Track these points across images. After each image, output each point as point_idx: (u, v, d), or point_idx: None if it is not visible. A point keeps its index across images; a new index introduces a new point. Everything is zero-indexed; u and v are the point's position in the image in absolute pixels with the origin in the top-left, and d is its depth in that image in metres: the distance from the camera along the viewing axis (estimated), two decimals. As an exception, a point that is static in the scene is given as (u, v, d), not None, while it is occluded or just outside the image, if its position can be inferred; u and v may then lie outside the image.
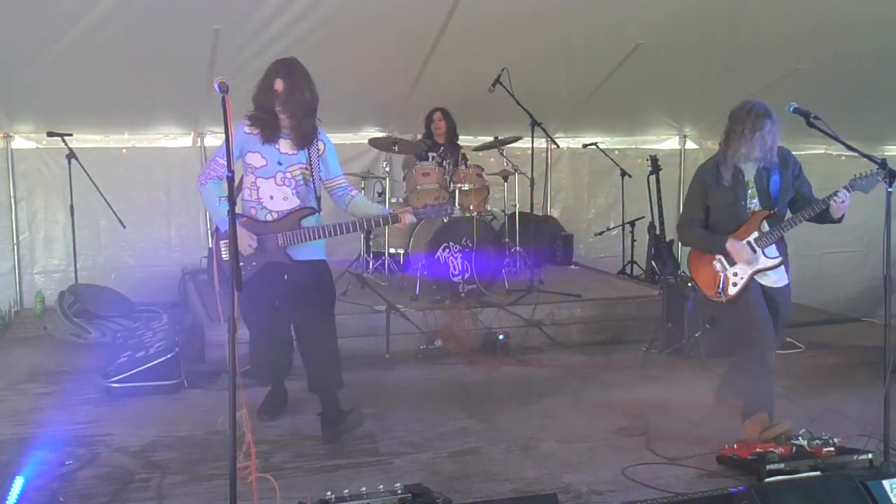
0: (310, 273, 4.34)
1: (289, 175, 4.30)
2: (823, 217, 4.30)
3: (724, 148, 4.35)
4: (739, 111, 4.28)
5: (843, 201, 4.20)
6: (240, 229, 4.08)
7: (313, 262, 4.37)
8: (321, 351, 4.41)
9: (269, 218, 4.29)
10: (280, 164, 4.27)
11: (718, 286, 4.41)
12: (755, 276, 4.36)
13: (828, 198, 4.22)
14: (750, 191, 4.37)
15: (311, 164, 4.32)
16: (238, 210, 4.12)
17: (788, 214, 4.42)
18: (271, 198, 4.29)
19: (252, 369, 4.72)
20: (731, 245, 4.34)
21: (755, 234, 4.34)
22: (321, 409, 4.45)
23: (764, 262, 4.36)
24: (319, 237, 4.27)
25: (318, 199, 4.40)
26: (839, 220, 4.31)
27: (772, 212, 4.35)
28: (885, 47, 7.36)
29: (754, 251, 4.33)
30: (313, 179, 4.35)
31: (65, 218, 7.73)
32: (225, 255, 4.23)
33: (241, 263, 4.03)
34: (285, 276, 4.29)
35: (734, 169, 4.34)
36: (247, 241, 4.17)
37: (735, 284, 4.36)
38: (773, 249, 4.37)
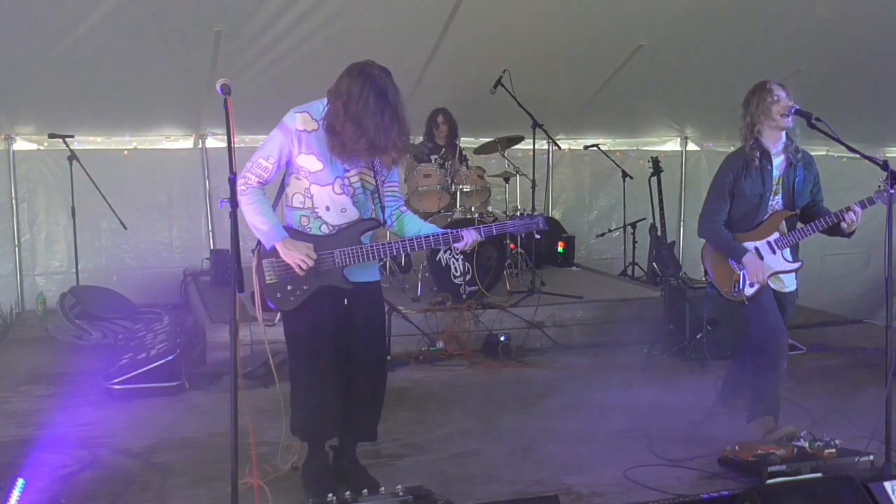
0: (367, 300, 3.64)
1: (347, 182, 3.50)
2: (834, 230, 4.24)
3: (748, 130, 4.25)
4: (749, 91, 4.24)
5: (853, 220, 4.13)
6: (293, 243, 3.42)
7: (369, 284, 3.66)
8: (368, 399, 3.72)
9: (323, 231, 3.51)
10: (339, 170, 3.50)
11: (735, 285, 4.36)
12: (769, 280, 4.32)
13: (841, 212, 4.16)
14: (775, 186, 4.30)
15: (373, 168, 3.53)
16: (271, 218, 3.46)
17: (799, 224, 4.38)
18: (327, 209, 3.49)
19: (294, 425, 3.70)
20: (749, 261, 4.26)
21: (776, 235, 4.29)
22: (338, 453, 3.84)
23: (783, 265, 4.31)
24: (381, 256, 3.55)
25: (383, 208, 3.62)
26: (849, 236, 4.25)
27: (794, 213, 4.30)
28: (887, 49, 7.36)
29: (774, 252, 4.29)
30: (376, 185, 3.57)
31: (66, 219, 7.75)
32: (270, 279, 3.47)
33: (290, 287, 3.45)
34: (345, 301, 3.55)
35: (766, 157, 4.24)
36: (300, 257, 3.39)
37: (752, 285, 4.30)
38: (790, 253, 4.33)
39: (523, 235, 3.24)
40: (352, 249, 3.47)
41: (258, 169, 3.43)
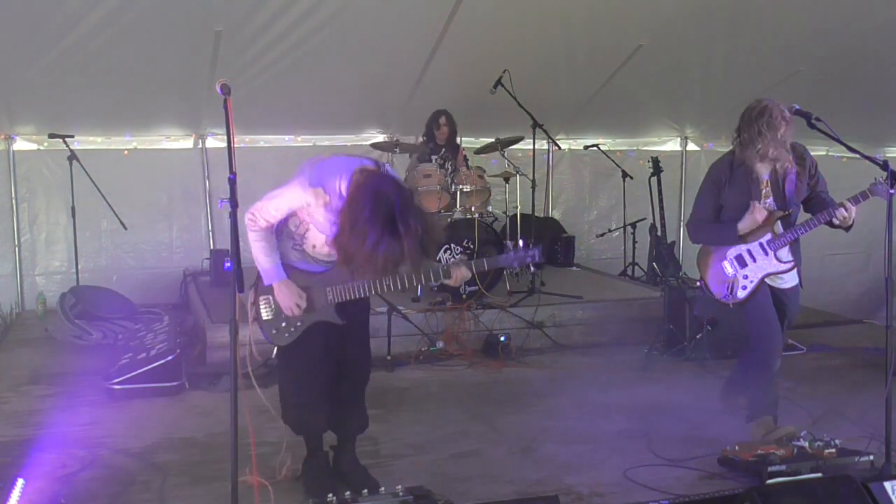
0: (354, 301, 3.66)
1: None
2: (832, 223, 4.22)
3: (738, 147, 4.23)
4: (753, 110, 4.14)
5: (844, 216, 4.11)
6: (289, 286, 3.51)
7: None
8: (355, 393, 3.81)
9: (306, 259, 3.59)
10: None
11: (727, 288, 4.36)
12: (765, 280, 4.30)
13: (832, 209, 4.15)
14: (764, 190, 4.27)
15: None
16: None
17: (802, 216, 4.35)
18: (314, 247, 3.55)
19: (285, 417, 3.78)
20: (742, 223, 4.23)
21: (768, 236, 4.26)
22: (337, 453, 3.88)
23: (776, 266, 4.28)
24: (374, 293, 3.59)
25: None
26: (847, 229, 4.24)
27: (787, 213, 4.27)
28: (887, 49, 7.36)
29: (766, 253, 4.27)
30: None
31: (66, 220, 7.74)
32: (266, 315, 3.59)
33: (284, 324, 3.57)
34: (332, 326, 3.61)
35: (748, 167, 4.23)
36: (291, 304, 3.51)
37: (745, 288, 4.30)
38: (785, 253, 4.30)
39: (516, 265, 3.16)
40: (345, 286, 3.53)
41: (268, 215, 3.44)
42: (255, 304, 3.60)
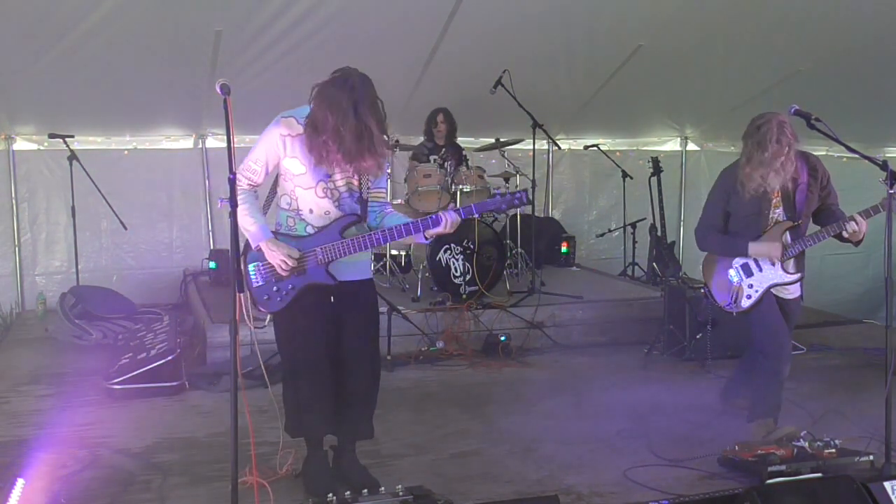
0: (356, 299, 3.68)
1: (332, 186, 3.54)
2: (841, 236, 4.21)
3: (744, 162, 4.18)
4: (753, 126, 4.11)
5: (855, 230, 4.09)
6: (277, 244, 3.49)
7: (360, 282, 3.70)
8: (359, 395, 3.77)
9: (308, 231, 3.57)
10: (322, 174, 3.55)
11: (732, 297, 4.35)
12: (771, 290, 4.29)
13: (842, 221, 4.14)
14: (774, 200, 4.25)
15: (358, 176, 3.59)
16: (265, 219, 3.59)
17: (811, 228, 4.34)
18: (311, 211, 3.56)
19: (288, 421, 3.76)
20: (755, 247, 4.23)
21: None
22: (337, 453, 3.86)
23: (782, 277, 4.27)
24: (364, 248, 3.55)
25: (365, 202, 3.63)
26: (857, 244, 4.21)
27: (796, 223, 4.25)
28: (887, 49, 7.36)
29: (773, 263, 4.25)
30: (360, 188, 3.61)
31: (66, 219, 7.75)
32: (256, 282, 3.57)
33: (276, 288, 3.53)
34: (331, 299, 3.60)
35: (760, 178, 4.16)
36: (281, 257, 3.46)
37: (749, 297, 4.29)
38: (792, 264, 4.29)
39: (508, 212, 3.11)
40: (333, 245, 3.51)
41: (248, 172, 3.56)
42: (247, 272, 3.57)
